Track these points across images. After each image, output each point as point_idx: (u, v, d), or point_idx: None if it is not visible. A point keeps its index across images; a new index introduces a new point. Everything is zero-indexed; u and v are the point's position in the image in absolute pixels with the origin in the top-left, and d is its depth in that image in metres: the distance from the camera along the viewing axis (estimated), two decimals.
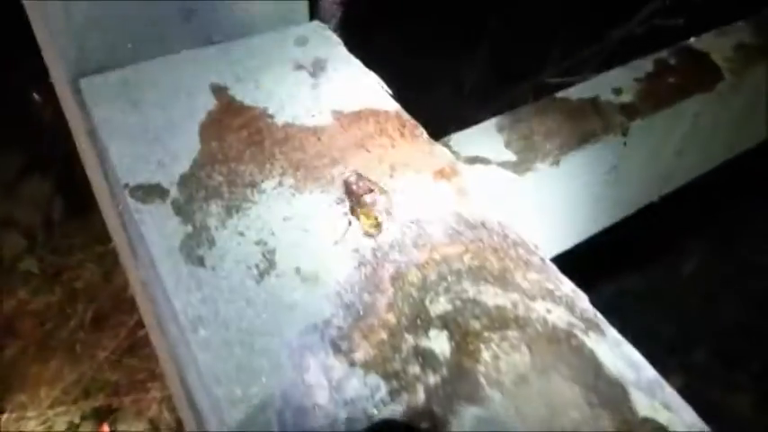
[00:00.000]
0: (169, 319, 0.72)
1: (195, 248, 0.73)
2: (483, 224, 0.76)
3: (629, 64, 1.28)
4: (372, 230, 0.74)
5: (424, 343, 0.65)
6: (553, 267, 0.73)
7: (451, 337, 0.66)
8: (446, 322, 0.67)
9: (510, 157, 1.12)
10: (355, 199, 0.74)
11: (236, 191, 0.79)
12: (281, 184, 0.80)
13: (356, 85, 0.94)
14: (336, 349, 0.64)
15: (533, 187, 1.10)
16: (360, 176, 0.76)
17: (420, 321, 0.67)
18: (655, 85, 1.28)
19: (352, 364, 0.63)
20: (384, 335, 0.66)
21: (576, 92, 1.24)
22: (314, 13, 1.08)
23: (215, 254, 0.72)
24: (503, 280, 0.71)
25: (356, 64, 0.98)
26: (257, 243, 0.74)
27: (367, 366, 0.63)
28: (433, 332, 0.66)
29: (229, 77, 0.94)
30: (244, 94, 0.93)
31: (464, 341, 0.65)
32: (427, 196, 0.79)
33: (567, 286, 0.70)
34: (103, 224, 1.33)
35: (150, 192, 0.78)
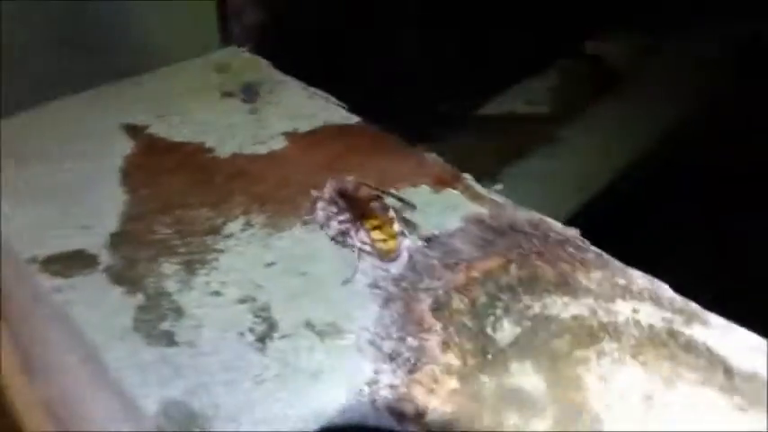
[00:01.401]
0: None
1: (157, 323, 0.52)
2: (512, 227, 0.62)
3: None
4: (389, 246, 0.56)
5: (508, 382, 0.48)
6: (614, 260, 0.59)
7: (539, 367, 0.49)
8: (523, 350, 0.50)
9: None
10: (358, 210, 0.57)
11: (192, 241, 0.59)
12: (249, 224, 0.61)
13: (303, 104, 0.78)
14: (401, 418, 0.46)
15: None
16: (355, 182, 0.59)
17: (491, 356, 0.50)
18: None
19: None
20: (454, 383, 0.48)
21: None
22: (226, 38, 0.91)
23: (187, 324, 0.52)
24: (566, 286, 0.56)
25: (295, 84, 0.82)
26: (242, 301, 0.54)
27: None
28: (513, 366, 0.49)
29: (145, 114, 0.75)
30: (169, 130, 0.74)
31: (555, 368, 0.49)
32: (435, 208, 0.63)
33: (640, 277, 0.57)
34: None
35: (71, 261, 0.57)
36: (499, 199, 0.65)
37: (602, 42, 1.52)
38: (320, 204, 0.60)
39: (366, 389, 0.48)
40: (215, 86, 0.81)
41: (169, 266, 0.57)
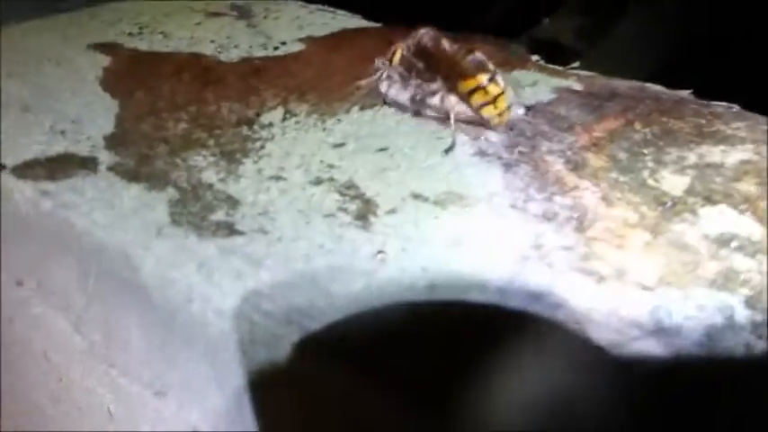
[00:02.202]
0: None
1: (205, 214, 0.36)
2: (614, 93, 0.50)
3: None
4: (501, 120, 0.43)
5: (710, 226, 0.35)
6: (745, 111, 0.48)
7: (738, 209, 0.37)
8: (707, 194, 0.38)
9: None
10: (455, 74, 0.43)
11: (222, 133, 0.44)
12: (291, 113, 0.47)
13: (309, 17, 0.65)
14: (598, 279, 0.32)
15: None
16: (435, 35, 0.45)
17: (671, 204, 0.37)
18: None
19: (646, 288, 0.31)
20: (646, 235, 0.35)
21: None
22: None
23: (249, 213, 0.36)
24: (712, 137, 0.44)
25: (293, 3, 0.69)
26: (316, 182, 0.39)
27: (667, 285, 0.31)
28: (704, 210, 0.37)
29: (122, 36, 0.59)
30: (151, 44, 0.58)
31: (757, 210, 0.37)
32: (518, 84, 0.51)
33: None
34: None
35: (58, 165, 0.40)
36: (584, 73, 0.53)
37: None
38: (388, 72, 0.46)
39: (533, 253, 0.33)
40: (197, 10, 0.66)
41: (200, 159, 0.41)
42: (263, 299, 0.31)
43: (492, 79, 0.43)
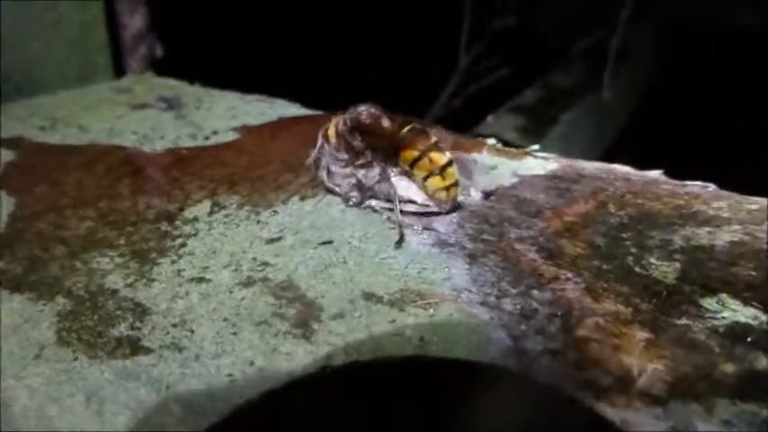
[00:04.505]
0: None
1: (104, 329, 0.29)
2: (581, 175, 0.46)
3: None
4: (450, 195, 0.38)
5: (713, 319, 0.30)
6: (721, 190, 0.44)
7: (739, 297, 0.32)
8: (702, 282, 0.33)
9: None
10: (394, 147, 0.38)
11: (135, 231, 0.37)
12: (219, 205, 0.40)
13: (244, 107, 0.60)
14: (595, 390, 0.26)
15: None
16: (371, 111, 0.40)
17: (666, 294, 0.32)
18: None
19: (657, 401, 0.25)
20: (643, 332, 0.29)
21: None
22: (121, 72, 0.72)
23: (161, 324, 0.29)
24: (695, 217, 0.40)
25: (229, 93, 0.64)
26: (246, 284, 0.32)
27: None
28: (706, 301, 0.31)
29: (32, 129, 0.53)
30: (64, 137, 0.52)
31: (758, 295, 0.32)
32: (476, 168, 0.46)
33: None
34: None
35: None
36: (545, 155, 0.49)
37: None
38: (327, 157, 0.40)
39: (512, 360, 0.27)
40: (121, 102, 0.61)
41: (105, 261, 0.34)
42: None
43: (435, 147, 0.38)
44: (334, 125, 0.40)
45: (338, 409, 0.25)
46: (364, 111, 0.40)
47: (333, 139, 0.40)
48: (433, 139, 0.38)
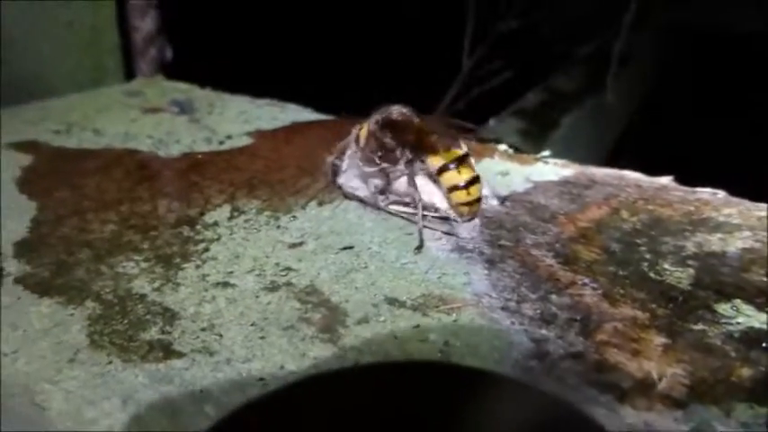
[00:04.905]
0: None
1: (136, 333, 0.29)
2: (593, 181, 0.47)
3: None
4: (471, 210, 0.39)
5: (728, 324, 0.31)
6: (724, 193, 0.45)
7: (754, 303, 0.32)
8: (717, 288, 0.34)
9: None
10: (424, 148, 0.39)
11: (158, 234, 0.38)
12: (238, 210, 0.41)
13: (257, 111, 0.60)
14: (614, 393, 0.26)
15: None
16: (407, 112, 0.40)
17: (681, 300, 0.33)
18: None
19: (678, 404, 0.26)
20: (660, 338, 0.30)
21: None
22: (131, 75, 0.73)
23: (190, 328, 0.30)
24: (706, 223, 0.41)
25: (240, 97, 0.65)
26: (271, 288, 0.33)
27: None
28: (720, 306, 0.32)
29: (47, 133, 0.53)
30: (80, 141, 0.53)
31: None
32: (488, 174, 0.47)
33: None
34: None
35: None
36: (555, 160, 0.50)
37: None
38: (348, 162, 0.41)
39: (536, 364, 0.28)
40: (133, 105, 0.61)
41: (131, 265, 0.35)
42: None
43: (465, 160, 0.38)
44: (367, 125, 0.41)
45: (336, 411, 0.25)
46: (395, 109, 0.40)
47: (363, 139, 0.40)
48: (465, 148, 0.39)
